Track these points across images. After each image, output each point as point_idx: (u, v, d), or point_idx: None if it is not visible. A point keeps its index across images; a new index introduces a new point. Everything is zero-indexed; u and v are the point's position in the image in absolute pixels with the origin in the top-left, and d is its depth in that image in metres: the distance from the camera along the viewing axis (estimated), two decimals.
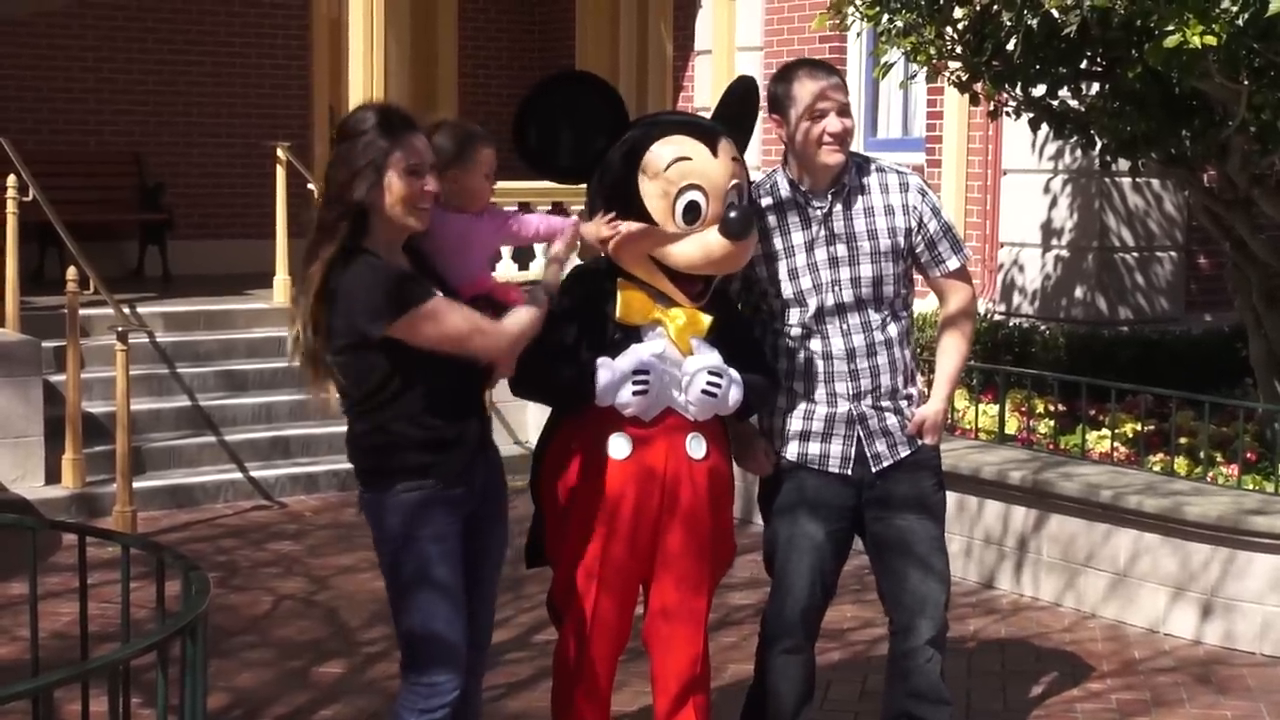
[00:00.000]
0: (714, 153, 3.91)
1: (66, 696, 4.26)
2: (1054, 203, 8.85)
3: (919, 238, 4.20)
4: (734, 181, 3.93)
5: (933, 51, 6.55)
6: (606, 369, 3.88)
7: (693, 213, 3.88)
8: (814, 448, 4.14)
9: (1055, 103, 6.88)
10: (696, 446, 3.99)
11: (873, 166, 4.24)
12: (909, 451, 4.18)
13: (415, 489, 3.61)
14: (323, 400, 3.76)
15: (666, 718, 4.10)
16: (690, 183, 3.87)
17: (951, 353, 4.30)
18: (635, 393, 3.88)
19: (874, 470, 4.15)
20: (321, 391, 3.68)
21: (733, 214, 3.87)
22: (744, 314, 4.23)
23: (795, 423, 4.15)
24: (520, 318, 3.68)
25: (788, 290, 4.14)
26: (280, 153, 10.38)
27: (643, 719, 4.84)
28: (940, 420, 4.24)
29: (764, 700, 4.28)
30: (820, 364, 4.13)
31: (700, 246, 3.89)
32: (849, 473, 4.14)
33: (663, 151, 3.89)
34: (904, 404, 4.20)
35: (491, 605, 3.94)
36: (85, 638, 3.69)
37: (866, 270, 4.13)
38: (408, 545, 3.62)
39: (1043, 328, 8.54)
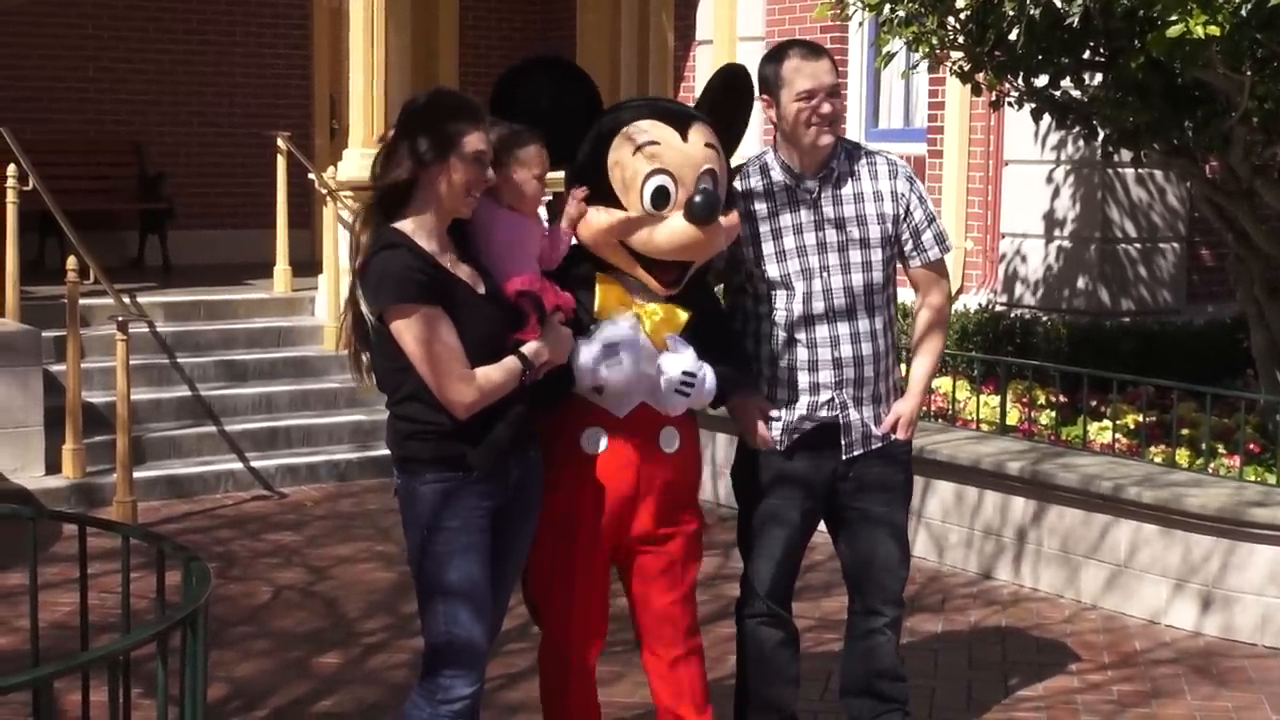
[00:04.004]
0: (684, 137, 3.86)
1: (67, 687, 4.26)
2: (1056, 193, 8.83)
3: (904, 225, 4.21)
4: (706, 166, 3.88)
5: (935, 41, 6.54)
6: (584, 345, 3.81)
7: (661, 197, 3.84)
8: (795, 434, 4.18)
9: (1057, 93, 6.86)
10: (669, 439, 3.99)
11: (861, 152, 4.25)
12: (882, 443, 4.23)
13: (441, 480, 3.60)
14: (364, 385, 3.80)
15: (670, 665, 4.09)
16: (658, 167, 3.83)
17: (928, 350, 4.35)
18: (609, 364, 3.80)
19: (845, 458, 4.20)
20: (363, 376, 3.72)
21: (697, 198, 3.82)
22: (722, 305, 4.22)
23: (778, 409, 4.18)
24: (493, 378, 3.58)
25: (774, 272, 4.13)
26: (281, 143, 10.38)
27: (641, 710, 4.84)
28: (914, 416, 4.29)
29: (755, 675, 4.38)
30: (804, 352, 4.15)
31: (668, 232, 3.85)
32: (826, 458, 4.19)
33: (631, 136, 3.86)
34: (883, 394, 4.24)
35: (505, 603, 3.91)
36: (85, 628, 3.68)
37: (856, 256, 4.14)
38: (432, 536, 3.62)
39: (1044, 318, 8.53)
